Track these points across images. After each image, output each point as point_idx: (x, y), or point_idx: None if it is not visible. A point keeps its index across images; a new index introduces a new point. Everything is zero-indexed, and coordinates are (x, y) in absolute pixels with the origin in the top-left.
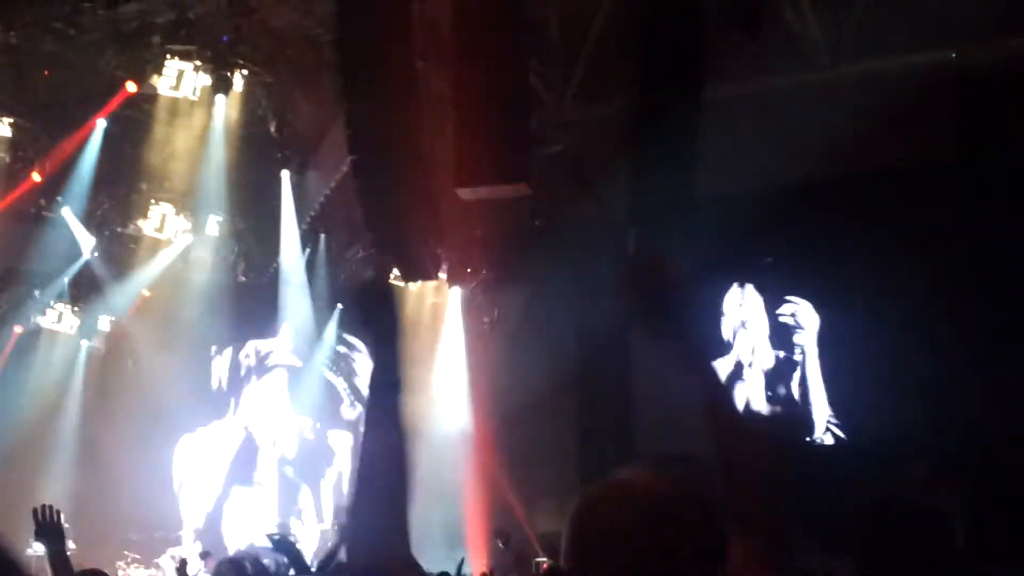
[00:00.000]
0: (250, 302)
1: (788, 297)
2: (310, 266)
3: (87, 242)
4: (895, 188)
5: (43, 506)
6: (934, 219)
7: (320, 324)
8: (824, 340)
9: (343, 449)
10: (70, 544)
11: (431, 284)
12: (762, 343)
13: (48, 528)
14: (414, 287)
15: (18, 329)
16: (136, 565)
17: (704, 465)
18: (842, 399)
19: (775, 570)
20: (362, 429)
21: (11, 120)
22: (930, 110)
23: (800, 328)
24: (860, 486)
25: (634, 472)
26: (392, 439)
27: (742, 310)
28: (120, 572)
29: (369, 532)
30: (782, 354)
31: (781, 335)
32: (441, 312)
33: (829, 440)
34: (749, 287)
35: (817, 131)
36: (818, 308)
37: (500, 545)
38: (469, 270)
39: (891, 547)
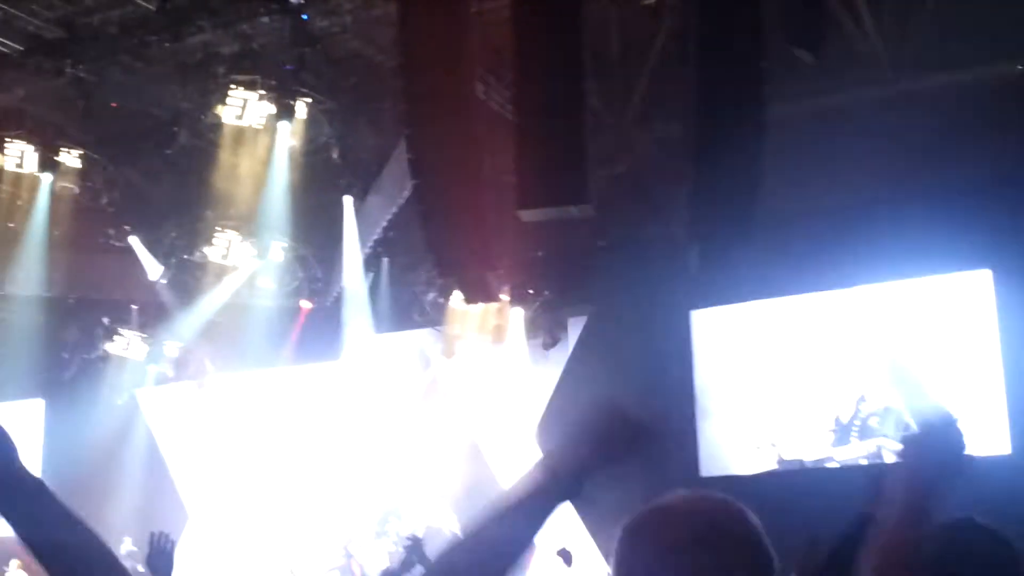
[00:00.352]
0: (313, 327)
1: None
2: (373, 290)
3: (155, 270)
4: (957, 204)
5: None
6: (998, 235)
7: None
8: None
9: None
10: (139, 568)
11: (493, 306)
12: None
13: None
14: (476, 309)
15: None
16: None
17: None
18: None
19: None
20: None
21: (80, 152)
22: (994, 124)
23: None
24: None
25: (677, 495)
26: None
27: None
28: None
29: None
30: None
31: None
32: (503, 334)
33: None
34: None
35: (881, 147)
36: None
37: (565, 564)
38: (531, 291)
39: (960, 570)
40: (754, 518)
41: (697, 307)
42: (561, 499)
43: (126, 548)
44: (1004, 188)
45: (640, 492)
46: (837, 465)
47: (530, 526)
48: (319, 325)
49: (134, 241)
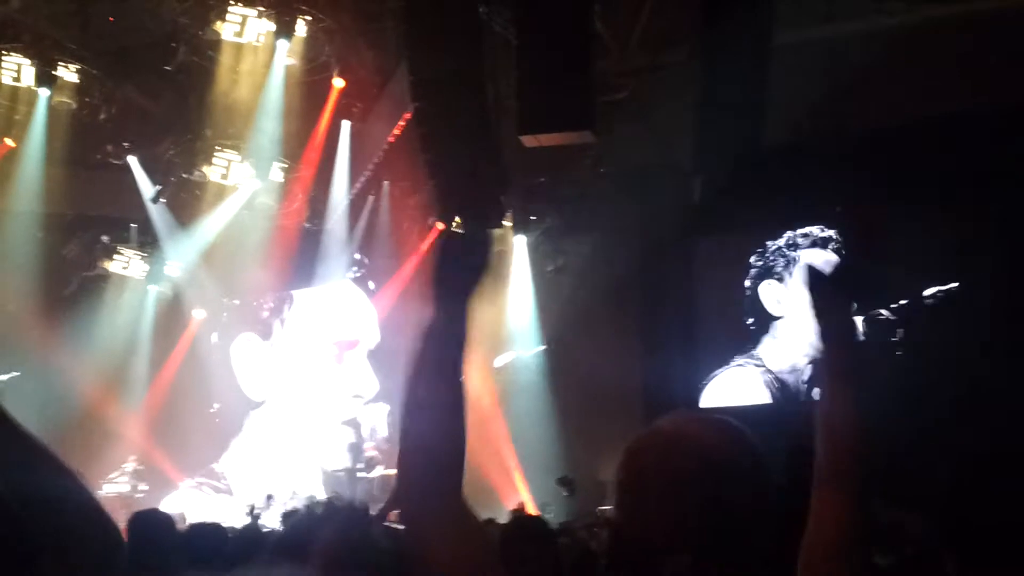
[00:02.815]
0: (313, 249)
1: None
2: (373, 213)
3: (152, 188)
4: (972, 131)
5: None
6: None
7: (379, 271)
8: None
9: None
10: (143, 486)
11: (496, 232)
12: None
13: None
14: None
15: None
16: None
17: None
18: None
19: (854, 526)
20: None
21: (78, 66)
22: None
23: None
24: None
25: (681, 420)
26: (457, 393)
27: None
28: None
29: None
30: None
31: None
32: (506, 260)
33: None
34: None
35: (890, 76)
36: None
37: (564, 494)
38: (534, 217)
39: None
40: (756, 441)
41: (700, 236)
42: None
43: (131, 467)
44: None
45: (640, 416)
46: None
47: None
48: (317, 248)
49: (131, 160)
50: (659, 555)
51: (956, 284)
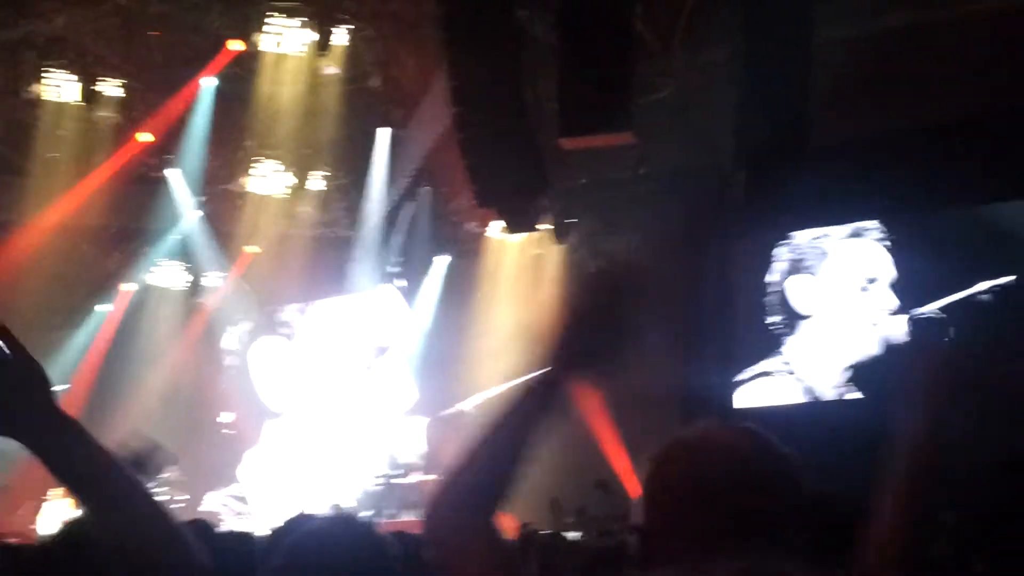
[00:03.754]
0: (353, 256)
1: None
2: (414, 220)
3: (194, 200)
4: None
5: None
6: None
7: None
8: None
9: None
10: (182, 496)
11: (534, 235)
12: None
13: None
14: (517, 238)
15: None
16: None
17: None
18: None
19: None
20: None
21: (122, 81)
22: None
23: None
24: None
25: (707, 428)
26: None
27: (875, 266)
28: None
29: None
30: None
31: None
32: (545, 263)
33: None
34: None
35: (936, 73)
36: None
37: (601, 496)
38: (574, 220)
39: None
40: (785, 451)
41: (740, 236)
42: (542, 402)
43: (171, 477)
44: None
45: (674, 418)
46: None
47: (520, 433)
48: (356, 256)
49: (172, 172)
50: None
51: (1013, 278)
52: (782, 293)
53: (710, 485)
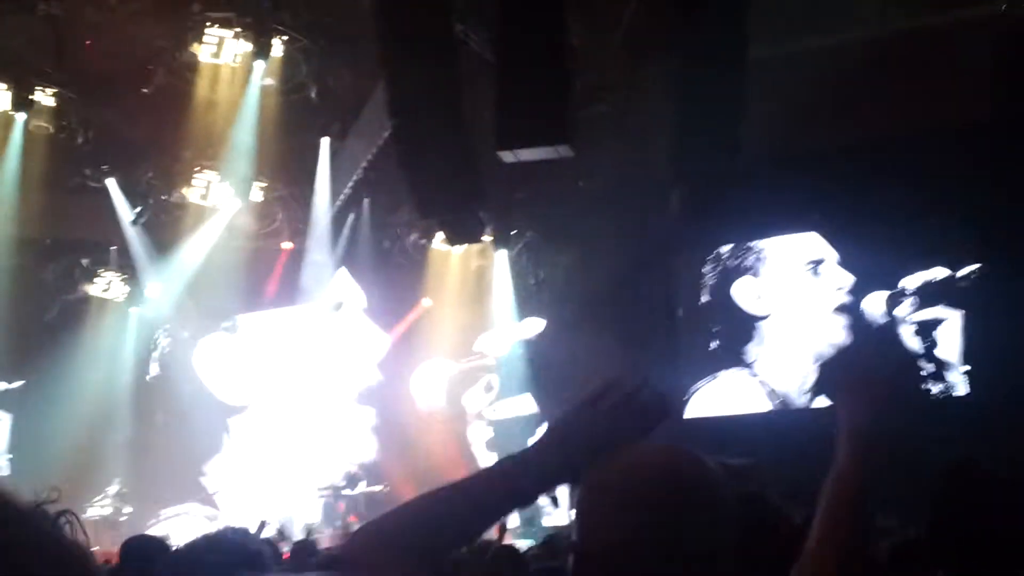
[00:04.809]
0: (294, 268)
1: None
2: (354, 232)
3: (132, 211)
4: (934, 147)
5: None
6: (971, 178)
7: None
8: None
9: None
10: (127, 508)
11: (476, 247)
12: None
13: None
14: (459, 250)
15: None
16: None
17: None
18: None
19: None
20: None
21: (55, 90)
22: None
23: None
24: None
25: (638, 448)
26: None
27: (816, 249)
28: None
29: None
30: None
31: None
32: (487, 275)
33: None
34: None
35: (866, 90)
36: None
37: (551, 508)
38: (514, 232)
39: (961, 514)
40: (714, 468)
41: (681, 248)
42: (515, 506)
43: (114, 490)
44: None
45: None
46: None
47: (478, 522)
48: (299, 267)
49: (110, 183)
50: None
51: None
52: (725, 299)
53: (636, 501)
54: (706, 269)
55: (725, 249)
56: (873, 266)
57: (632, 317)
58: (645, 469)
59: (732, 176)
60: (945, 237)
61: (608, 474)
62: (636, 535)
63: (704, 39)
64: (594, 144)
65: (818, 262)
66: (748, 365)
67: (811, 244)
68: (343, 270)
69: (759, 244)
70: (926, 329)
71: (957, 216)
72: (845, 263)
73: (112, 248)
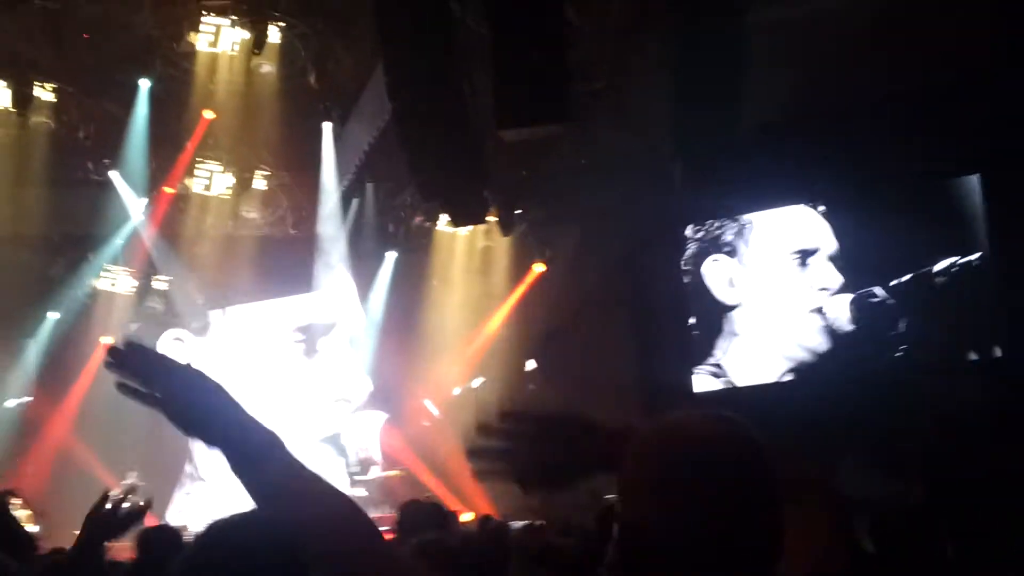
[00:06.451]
0: (302, 255)
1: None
2: (359, 215)
3: (137, 204)
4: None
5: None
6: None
7: (366, 274)
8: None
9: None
10: (141, 502)
11: (481, 228)
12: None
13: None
14: (464, 231)
15: None
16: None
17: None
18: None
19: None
20: None
21: (54, 85)
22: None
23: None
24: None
25: (683, 415)
26: None
27: (811, 236)
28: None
29: None
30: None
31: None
32: (493, 255)
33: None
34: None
35: (867, 51)
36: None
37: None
38: (518, 211)
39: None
40: (758, 436)
41: (684, 222)
42: None
43: (130, 481)
44: (996, 85)
45: (636, 408)
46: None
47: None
48: (303, 255)
49: (114, 176)
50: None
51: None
52: (697, 281)
53: (679, 471)
54: (689, 244)
55: (714, 221)
56: (877, 254)
57: (641, 294)
58: (686, 441)
59: (733, 147)
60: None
61: (649, 446)
62: (677, 509)
63: (698, 9)
64: (595, 120)
65: (809, 252)
66: (716, 365)
67: (806, 227)
68: (345, 274)
69: (746, 217)
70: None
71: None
72: (843, 254)
73: (118, 242)
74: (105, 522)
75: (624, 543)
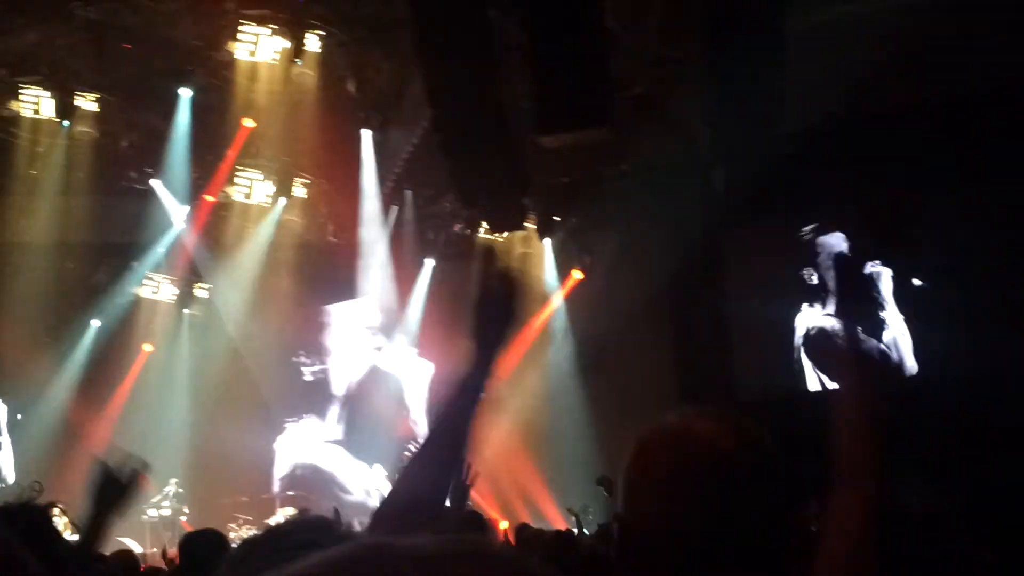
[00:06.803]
0: (341, 263)
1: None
2: (398, 223)
3: (179, 212)
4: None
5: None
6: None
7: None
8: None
9: None
10: (184, 509)
11: (520, 234)
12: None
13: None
14: (503, 238)
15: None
16: (248, 527)
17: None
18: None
19: (877, 518)
20: None
21: (97, 95)
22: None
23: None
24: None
25: (689, 415)
26: (459, 454)
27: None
28: (232, 534)
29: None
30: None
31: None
32: (533, 262)
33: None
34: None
35: (903, 57)
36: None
37: (604, 495)
38: (557, 218)
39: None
40: (766, 438)
41: (726, 226)
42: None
43: (173, 490)
44: None
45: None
46: None
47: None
48: (346, 262)
49: (156, 184)
50: (661, 553)
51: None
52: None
53: (684, 472)
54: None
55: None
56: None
57: (682, 299)
58: (692, 442)
59: (774, 153)
60: None
61: (654, 446)
62: (681, 509)
63: (738, 14)
64: (635, 126)
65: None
66: None
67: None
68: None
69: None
70: None
71: None
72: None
73: (160, 250)
74: (110, 491)
75: (625, 543)
